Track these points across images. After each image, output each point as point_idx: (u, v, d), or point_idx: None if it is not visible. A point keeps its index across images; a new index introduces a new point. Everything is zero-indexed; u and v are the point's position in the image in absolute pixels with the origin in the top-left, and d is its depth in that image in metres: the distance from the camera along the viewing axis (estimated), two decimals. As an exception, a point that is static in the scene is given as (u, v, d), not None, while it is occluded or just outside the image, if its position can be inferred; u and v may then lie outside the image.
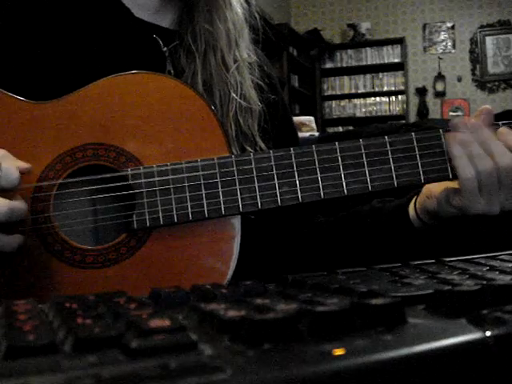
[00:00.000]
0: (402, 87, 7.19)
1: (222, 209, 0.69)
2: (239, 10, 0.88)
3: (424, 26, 7.20)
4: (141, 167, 0.69)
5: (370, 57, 7.32)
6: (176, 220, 0.69)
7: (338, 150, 0.71)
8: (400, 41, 7.17)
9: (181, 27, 0.86)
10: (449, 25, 7.14)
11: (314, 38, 7.05)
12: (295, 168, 0.71)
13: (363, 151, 0.72)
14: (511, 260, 0.56)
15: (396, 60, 7.21)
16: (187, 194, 0.69)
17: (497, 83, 7.01)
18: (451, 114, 6.99)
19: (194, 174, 0.69)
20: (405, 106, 7.15)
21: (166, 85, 0.72)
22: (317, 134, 3.30)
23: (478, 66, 7.03)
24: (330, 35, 7.34)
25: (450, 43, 7.12)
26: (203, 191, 0.69)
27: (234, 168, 0.70)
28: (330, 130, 7.11)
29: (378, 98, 7.29)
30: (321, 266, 0.82)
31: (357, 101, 7.35)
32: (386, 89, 7.26)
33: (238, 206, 0.70)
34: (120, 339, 0.30)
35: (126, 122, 0.70)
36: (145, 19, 0.84)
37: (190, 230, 0.70)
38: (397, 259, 0.61)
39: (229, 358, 0.28)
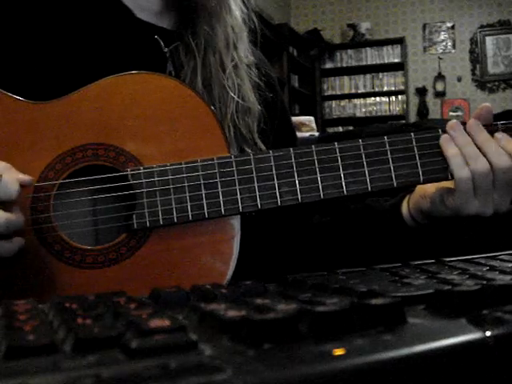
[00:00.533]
0: (402, 87, 7.19)
1: (222, 209, 0.69)
2: (238, 14, 0.88)
3: (424, 26, 7.20)
4: (141, 167, 0.69)
5: (370, 57, 7.31)
6: (176, 220, 0.69)
7: (337, 150, 0.71)
8: (400, 41, 7.17)
9: (181, 28, 0.86)
10: (449, 25, 7.14)
11: (313, 38, 7.05)
12: (295, 168, 0.71)
13: (363, 151, 0.72)
14: (511, 260, 0.56)
15: (396, 60, 7.21)
16: (187, 194, 0.69)
17: (497, 83, 7.01)
18: (451, 113, 6.99)
19: (194, 174, 0.69)
20: (405, 105, 7.15)
21: (166, 85, 0.72)
22: (317, 134, 3.30)
23: (478, 66, 7.03)
24: (330, 35, 7.34)
25: (449, 43, 7.12)
26: (203, 191, 0.69)
27: (234, 168, 0.70)
28: (330, 130, 7.11)
29: (378, 98, 7.29)
30: (317, 265, 0.83)
31: (357, 101, 7.35)
32: (386, 89, 7.26)
33: (238, 206, 0.70)
34: (120, 339, 0.30)
35: (125, 122, 0.71)
36: (146, 20, 0.84)
37: (190, 230, 0.70)
38: (391, 259, 0.61)
39: (229, 358, 0.28)
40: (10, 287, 0.67)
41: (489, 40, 7.01)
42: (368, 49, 7.30)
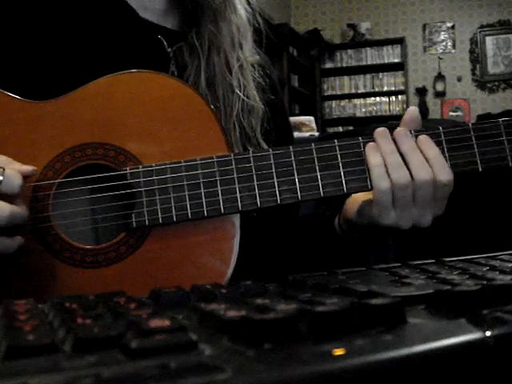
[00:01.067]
0: (402, 87, 7.19)
1: (222, 207, 0.69)
2: (243, 13, 0.88)
3: (424, 26, 7.20)
4: (140, 166, 0.69)
5: (370, 57, 7.32)
6: (175, 219, 0.69)
7: (337, 148, 0.71)
8: (400, 41, 7.17)
9: (185, 28, 0.86)
10: (449, 25, 7.14)
11: (313, 38, 7.05)
12: (294, 166, 0.71)
13: (362, 149, 0.72)
14: (511, 260, 0.56)
15: (396, 60, 7.21)
16: (186, 193, 0.69)
17: (497, 83, 7.01)
18: (451, 113, 6.99)
19: (193, 172, 0.69)
20: (405, 106, 7.15)
21: (166, 84, 0.72)
22: (317, 134, 3.30)
23: (478, 66, 7.03)
24: (330, 35, 7.34)
25: (449, 43, 7.12)
26: (202, 190, 0.69)
27: (233, 166, 0.70)
28: (330, 130, 7.11)
29: (378, 98, 7.29)
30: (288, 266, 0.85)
31: (357, 101, 7.35)
32: (386, 89, 7.26)
33: (238, 204, 0.70)
34: (120, 339, 0.30)
35: (125, 121, 0.71)
36: (150, 20, 0.84)
37: (190, 228, 0.70)
38: (321, 266, 0.61)
39: (229, 358, 0.28)
40: (9, 287, 0.67)
41: (489, 40, 7.01)
42: (368, 49, 7.30)
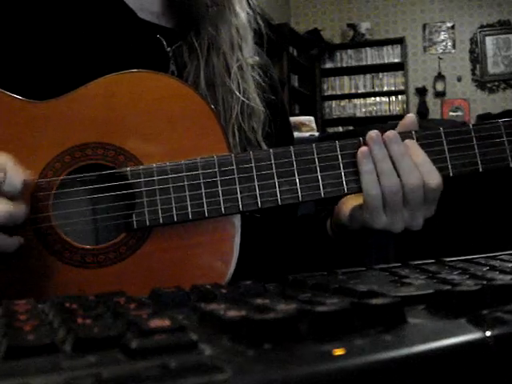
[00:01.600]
0: (402, 87, 7.19)
1: (222, 208, 0.69)
2: (243, 15, 0.88)
3: (424, 26, 7.21)
4: (140, 166, 0.69)
5: (370, 57, 7.32)
6: (176, 219, 0.69)
7: (338, 149, 0.71)
8: (400, 41, 7.17)
9: (184, 28, 0.86)
10: (449, 25, 7.14)
11: (314, 38, 7.05)
12: (295, 167, 0.71)
13: None
14: (511, 260, 0.56)
15: (396, 60, 7.21)
16: (187, 193, 0.69)
17: (497, 83, 7.01)
18: (451, 113, 7.00)
19: (194, 172, 0.69)
20: (405, 106, 7.15)
21: (166, 83, 0.72)
22: (317, 134, 3.30)
23: (478, 66, 7.03)
24: (329, 35, 7.35)
25: (449, 43, 7.13)
26: (203, 190, 0.69)
27: (234, 167, 0.70)
28: (330, 130, 7.11)
29: (378, 98, 7.29)
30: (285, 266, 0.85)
31: (357, 101, 7.35)
32: (386, 89, 7.26)
33: (238, 204, 0.70)
34: (120, 339, 0.30)
35: (125, 121, 0.70)
36: (149, 20, 0.84)
37: (190, 229, 0.70)
38: (318, 267, 0.61)
39: (229, 357, 0.28)
40: (9, 287, 0.67)
41: (489, 40, 7.01)
42: (368, 49, 7.31)
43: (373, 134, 0.71)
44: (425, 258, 0.59)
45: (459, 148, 0.73)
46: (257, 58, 0.90)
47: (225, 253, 0.70)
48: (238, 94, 0.83)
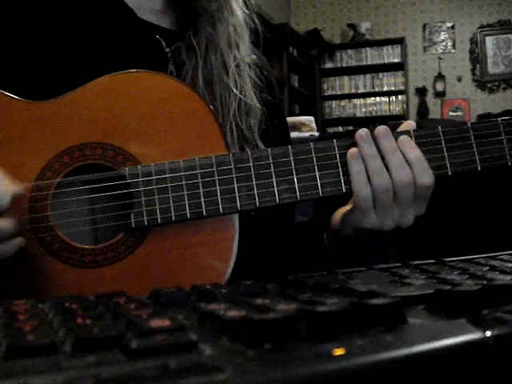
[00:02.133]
0: (402, 87, 7.19)
1: (220, 207, 0.69)
2: (240, 14, 0.88)
3: (424, 26, 7.20)
4: (138, 166, 0.69)
5: (370, 57, 7.32)
6: (174, 219, 0.69)
7: (335, 148, 0.71)
8: (400, 41, 7.17)
9: (183, 27, 0.86)
10: (449, 25, 7.14)
11: (314, 38, 7.05)
12: (293, 166, 0.71)
13: None
14: (511, 260, 0.56)
15: (396, 60, 7.21)
16: (185, 193, 0.69)
17: (497, 83, 7.01)
18: (451, 113, 6.99)
19: (192, 172, 0.69)
20: (405, 106, 7.15)
21: (165, 83, 0.72)
22: (317, 133, 3.30)
23: (477, 66, 7.03)
24: (329, 35, 7.34)
25: (449, 43, 7.12)
26: (201, 190, 0.69)
27: (232, 166, 0.70)
28: (330, 130, 7.11)
29: (378, 98, 7.29)
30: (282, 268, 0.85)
31: (357, 101, 7.35)
32: (386, 89, 7.26)
33: (236, 204, 0.70)
34: (120, 339, 0.30)
35: (124, 121, 0.70)
36: (148, 20, 0.84)
37: (188, 228, 0.70)
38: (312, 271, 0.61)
39: (229, 357, 0.27)
40: (9, 287, 0.67)
41: (489, 40, 7.01)
42: (368, 49, 7.30)
43: (362, 132, 0.71)
44: (425, 258, 0.59)
45: (457, 147, 0.73)
46: (254, 57, 0.90)
47: (223, 252, 0.70)
48: (235, 91, 0.83)
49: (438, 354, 0.29)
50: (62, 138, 0.69)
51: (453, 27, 7.13)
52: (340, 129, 7.11)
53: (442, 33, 7.14)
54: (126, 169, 0.69)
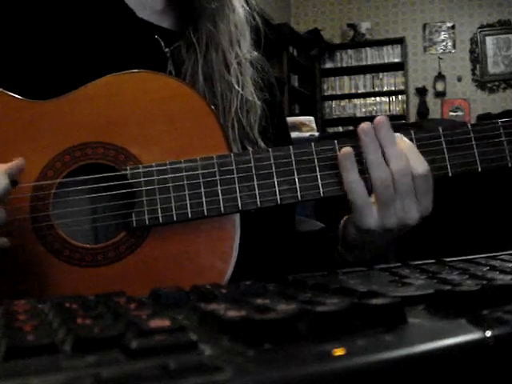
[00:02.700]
0: (402, 87, 7.19)
1: (222, 207, 0.69)
2: (241, 11, 0.88)
3: (424, 26, 7.20)
4: (140, 166, 0.69)
5: (370, 57, 7.32)
6: (175, 218, 0.69)
7: (337, 148, 0.71)
8: (400, 41, 7.17)
9: (183, 26, 0.86)
10: (449, 25, 7.14)
11: (314, 37, 7.05)
12: (294, 166, 0.71)
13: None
14: (511, 260, 0.56)
15: (396, 60, 7.21)
16: (186, 193, 0.69)
17: (497, 83, 7.01)
18: (451, 113, 7.00)
19: (193, 172, 0.69)
20: (405, 106, 7.15)
21: (166, 83, 0.73)
22: (317, 133, 3.30)
23: (478, 66, 7.03)
24: (329, 35, 7.34)
25: (450, 43, 7.12)
26: (202, 189, 0.69)
27: (234, 166, 0.70)
28: (330, 130, 7.11)
29: (378, 98, 7.29)
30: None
31: (357, 101, 7.35)
32: (386, 89, 7.26)
33: (238, 204, 0.70)
34: (120, 339, 0.30)
35: (125, 121, 0.71)
36: (147, 20, 0.84)
37: (190, 228, 0.70)
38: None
39: (229, 357, 0.27)
40: (9, 287, 0.67)
41: (489, 40, 7.01)
42: (368, 49, 7.31)
43: (365, 125, 0.70)
44: (425, 257, 0.59)
45: (458, 148, 0.73)
46: (255, 53, 0.91)
47: (224, 252, 0.71)
48: (237, 87, 0.83)
49: (438, 354, 0.29)
50: (64, 138, 0.69)
51: (453, 27, 7.13)
52: (340, 129, 7.11)
53: (442, 33, 7.14)
54: (128, 168, 0.69)
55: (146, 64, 0.74)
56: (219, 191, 0.69)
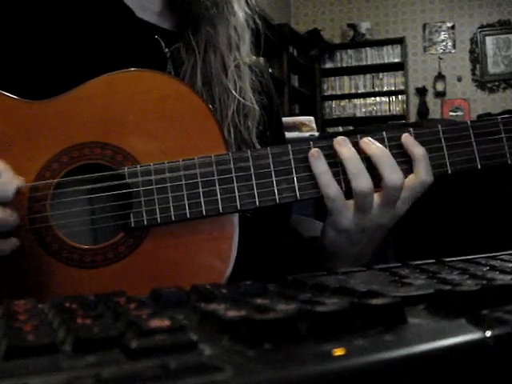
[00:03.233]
0: (402, 87, 7.19)
1: (220, 207, 0.69)
2: (241, 15, 0.88)
3: (424, 26, 7.21)
4: (138, 165, 0.69)
5: (370, 57, 7.32)
6: (173, 218, 0.69)
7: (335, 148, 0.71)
8: (400, 41, 7.17)
9: (183, 27, 0.86)
10: (449, 25, 7.14)
11: (314, 38, 7.05)
12: (293, 165, 0.71)
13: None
14: (511, 260, 0.56)
15: (396, 60, 7.21)
16: (184, 192, 0.69)
17: (497, 83, 7.01)
18: (451, 113, 7.00)
19: (191, 171, 0.69)
20: (405, 106, 7.15)
21: (164, 83, 0.72)
22: (317, 134, 3.30)
23: (478, 66, 7.03)
24: (329, 35, 7.35)
25: (450, 43, 7.13)
26: (200, 189, 0.69)
27: (232, 166, 0.70)
28: (330, 129, 7.11)
29: (378, 98, 7.29)
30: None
31: (357, 101, 7.36)
32: (386, 89, 7.26)
33: (236, 203, 0.69)
34: (120, 339, 0.30)
35: (122, 121, 0.70)
36: (147, 20, 0.84)
37: (188, 228, 0.70)
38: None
39: (229, 358, 0.27)
40: (8, 287, 0.67)
41: (489, 40, 7.01)
42: (368, 49, 7.31)
43: (339, 138, 0.71)
44: (425, 257, 0.59)
45: (457, 145, 0.73)
46: (254, 57, 0.91)
47: (223, 252, 0.70)
48: (234, 93, 0.83)
49: (438, 353, 0.29)
50: (61, 138, 0.69)
51: (453, 27, 7.13)
52: (340, 129, 7.11)
53: (442, 33, 7.14)
54: (125, 168, 0.69)
55: (146, 64, 0.74)
56: (217, 191, 0.69)
